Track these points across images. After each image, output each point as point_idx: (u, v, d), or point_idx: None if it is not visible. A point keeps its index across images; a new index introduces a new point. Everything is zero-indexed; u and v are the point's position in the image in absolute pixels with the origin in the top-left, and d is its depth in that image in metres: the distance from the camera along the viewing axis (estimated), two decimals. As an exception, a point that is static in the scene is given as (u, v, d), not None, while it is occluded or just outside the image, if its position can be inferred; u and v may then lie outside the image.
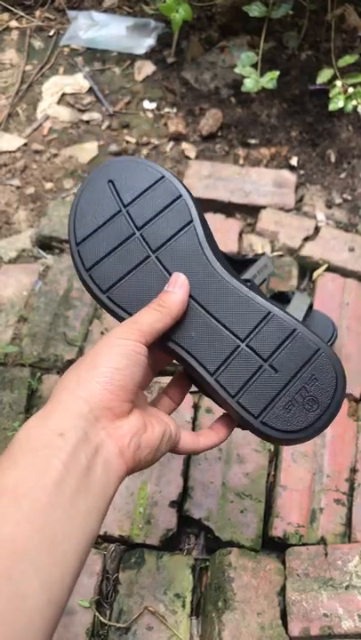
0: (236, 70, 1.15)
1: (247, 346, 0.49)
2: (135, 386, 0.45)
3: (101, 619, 0.73)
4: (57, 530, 0.37)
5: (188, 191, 0.55)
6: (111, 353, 0.44)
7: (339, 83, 1.13)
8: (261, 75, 1.14)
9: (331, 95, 1.12)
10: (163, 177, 0.53)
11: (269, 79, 1.13)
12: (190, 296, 0.50)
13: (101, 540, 0.80)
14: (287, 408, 0.48)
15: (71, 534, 0.37)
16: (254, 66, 1.15)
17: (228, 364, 0.49)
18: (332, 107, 1.12)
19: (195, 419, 0.88)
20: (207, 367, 0.50)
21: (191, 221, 0.53)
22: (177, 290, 0.49)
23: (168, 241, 0.52)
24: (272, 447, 0.86)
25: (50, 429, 0.39)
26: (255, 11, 1.16)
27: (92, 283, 0.51)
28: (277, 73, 1.13)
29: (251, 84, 1.13)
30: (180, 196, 0.54)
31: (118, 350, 0.44)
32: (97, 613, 0.74)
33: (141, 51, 1.37)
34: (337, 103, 1.12)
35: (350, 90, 1.12)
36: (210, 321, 0.50)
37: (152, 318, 0.47)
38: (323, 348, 0.49)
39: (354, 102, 1.11)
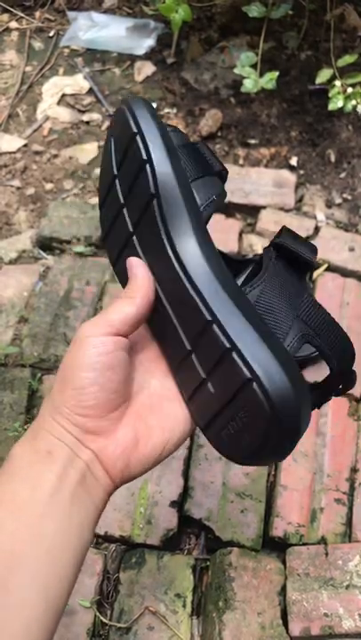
0: (236, 71, 1.16)
1: (194, 355, 0.42)
2: (115, 392, 0.41)
3: (102, 619, 0.74)
4: (53, 540, 0.37)
5: (159, 128, 0.44)
6: (77, 366, 0.40)
7: (338, 82, 1.13)
8: (261, 75, 1.14)
9: (330, 95, 1.12)
10: (135, 133, 0.44)
11: (269, 79, 1.13)
12: (157, 281, 0.44)
13: (102, 540, 0.80)
14: (223, 432, 0.40)
15: (67, 544, 0.37)
16: (254, 66, 1.15)
17: (180, 368, 0.43)
18: (331, 106, 1.12)
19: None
20: (170, 363, 0.45)
21: (144, 166, 0.43)
22: (134, 271, 0.44)
23: (138, 217, 0.45)
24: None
25: (38, 450, 0.39)
26: (254, 11, 1.16)
27: (107, 255, 0.50)
28: (277, 73, 1.13)
29: (250, 84, 1.13)
30: (136, 134, 0.44)
31: (86, 360, 0.40)
32: (98, 613, 0.74)
33: (141, 51, 1.37)
34: (336, 103, 1.12)
35: (350, 90, 1.12)
36: (169, 317, 0.43)
37: (121, 304, 0.42)
38: (258, 377, 0.36)
39: (353, 102, 1.11)
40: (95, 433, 0.40)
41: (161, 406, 0.44)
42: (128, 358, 0.42)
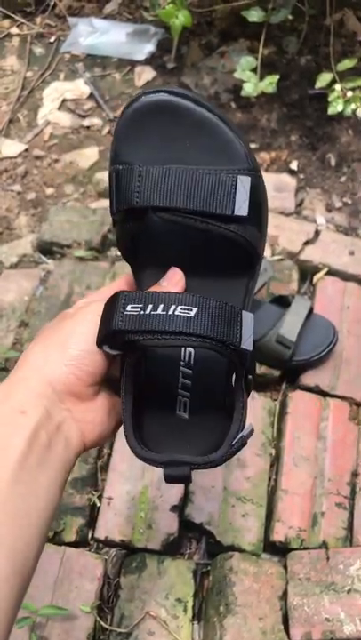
0: (236, 75, 1.16)
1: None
2: (107, 367, 0.42)
3: (102, 624, 0.73)
4: (19, 504, 0.37)
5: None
6: (83, 331, 0.41)
7: (338, 87, 1.13)
8: (261, 79, 1.15)
9: (330, 99, 1.13)
10: None
11: (269, 83, 1.13)
12: None
13: (103, 545, 0.80)
14: None
15: (33, 508, 0.38)
16: (253, 70, 1.15)
17: None
18: (331, 110, 1.12)
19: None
20: None
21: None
22: (170, 289, 0.44)
23: None
24: (273, 451, 0.86)
25: (11, 407, 0.39)
26: (254, 16, 1.17)
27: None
28: (277, 77, 1.14)
29: (250, 88, 1.14)
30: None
31: (92, 327, 0.41)
32: (98, 618, 0.74)
33: (141, 57, 1.38)
34: (336, 107, 1.12)
35: (349, 94, 1.12)
36: None
37: (125, 280, 0.46)
38: None
39: (353, 106, 1.11)
40: (79, 397, 0.41)
41: None
42: None
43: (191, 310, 0.39)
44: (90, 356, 0.41)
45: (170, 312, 0.39)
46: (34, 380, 0.40)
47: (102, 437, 0.44)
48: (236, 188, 0.42)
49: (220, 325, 0.40)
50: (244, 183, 0.42)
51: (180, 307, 0.39)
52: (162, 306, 0.39)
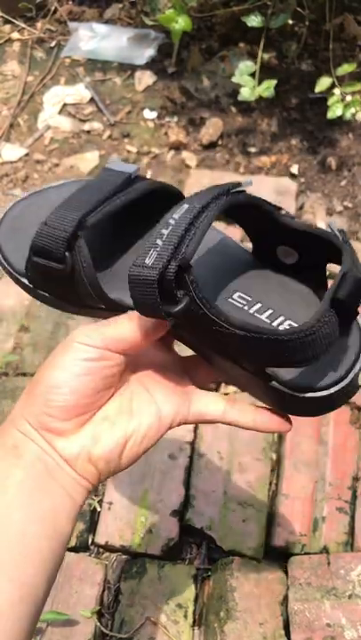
0: (234, 79, 1.16)
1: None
2: (87, 398, 0.40)
3: (103, 629, 0.73)
4: (23, 528, 0.37)
5: None
6: (55, 366, 0.40)
7: (337, 91, 1.13)
8: (259, 83, 1.15)
9: (329, 103, 1.13)
10: None
11: (266, 87, 1.13)
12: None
13: (103, 550, 0.80)
14: None
15: (39, 532, 0.37)
16: (252, 75, 1.16)
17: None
18: (330, 115, 1.12)
19: (196, 427, 0.88)
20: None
21: None
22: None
23: None
24: (274, 456, 0.86)
25: (4, 444, 0.39)
26: (253, 21, 1.17)
27: None
28: (274, 81, 1.14)
29: (247, 92, 1.14)
30: None
31: (65, 362, 0.40)
32: (98, 624, 0.73)
33: (142, 61, 1.38)
34: (335, 111, 1.12)
35: (348, 98, 1.12)
36: None
37: (121, 323, 0.41)
38: None
39: (352, 110, 1.12)
40: (57, 432, 0.40)
41: (131, 407, 0.43)
42: (115, 373, 0.41)
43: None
44: (59, 391, 0.39)
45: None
46: (17, 420, 0.40)
47: (110, 464, 0.41)
48: None
49: None
50: None
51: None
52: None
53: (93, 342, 0.40)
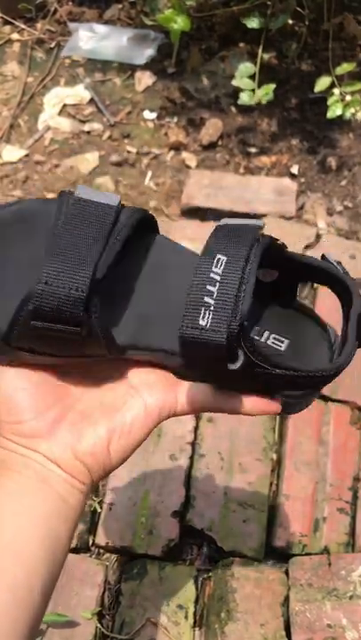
0: (234, 82, 1.16)
1: None
2: (44, 393, 0.40)
3: (103, 630, 0.73)
4: (18, 532, 0.37)
5: None
6: (3, 383, 0.40)
7: (337, 90, 1.13)
8: (260, 85, 1.15)
9: (329, 103, 1.13)
10: None
11: (265, 93, 1.13)
12: None
13: (103, 551, 0.80)
14: None
15: (33, 536, 0.37)
16: (252, 77, 1.16)
17: None
18: (330, 114, 1.12)
19: (196, 428, 0.88)
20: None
21: None
22: None
23: None
24: (274, 456, 0.86)
25: None
26: (254, 23, 1.17)
27: None
28: (273, 86, 1.14)
29: (247, 97, 1.15)
30: None
31: (9, 375, 0.40)
32: (99, 625, 0.73)
33: (142, 61, 1.38)
34: (335, 111, 1.12)
35: (348, 97, 1.12)
36: None
37: None
38: None
39: (352, 110, 1.11)
40: (33, 435, 0.40)
41: (105, 399, 0.42)
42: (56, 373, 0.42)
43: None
44: (16, 393, 0.40)
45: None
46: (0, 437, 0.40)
47: (99, 459, 0.41)
48: None
49: None
50: None
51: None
52: None
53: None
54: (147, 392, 0.43)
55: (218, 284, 0.37)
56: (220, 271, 0.37)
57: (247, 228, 0.41)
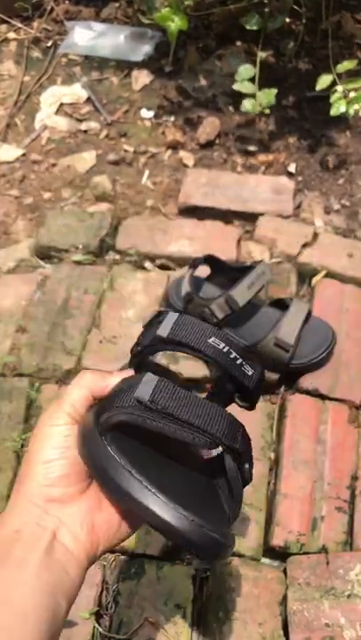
0: (235, 87, 1.17)
1: None
2: (80, 465, 0.44)
3: (101, 630, 0.73)
4: (25, 603, 0.38)
5: None
6: (43, 447, 0.44)
7: (340, 88, 1.13)
8: (260, 88, 1.15)
9: (331, 101, 1.12)
10: None
11: (267, 101, 1.15)
12: None
13: (101, 551, 0.79)
14: None
15: (39, 606, 0.39)
16: (252, 79, 1.16)
17: None
18: (333, 112, 1.12)
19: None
20: None
21: None
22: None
23: None
24: (272, 455, 0.86)
25: (6, 531, 0.42)
26: (252, 24, 1.17)
27: None
28: (275, 91, 1.15)
29: (250, 105, 1.15)
30: None
31: (50, 443, 0.44)
32: (97, 625, 0.73)
33: (139, 57, 1.38)
34: (339, 108, 1.12)
35: (352, 94, 1.12)
36: None
37: (84, 390, 0.46)
38: None
39: (356, 106, 1.11)
40: (60, 501, 0.43)
41: None
42: None
43: None
44: (52, 464, 0.43)
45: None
46: (16, 504, 0.43)
47: (112, 535, 0.45)
48: None
49: None
50: None
51: None
52: None
53: (65, 421, 0.45)
54: None
55: None
56: None
57: None
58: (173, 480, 0.45)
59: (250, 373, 0.47)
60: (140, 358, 0.48)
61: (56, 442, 0.44)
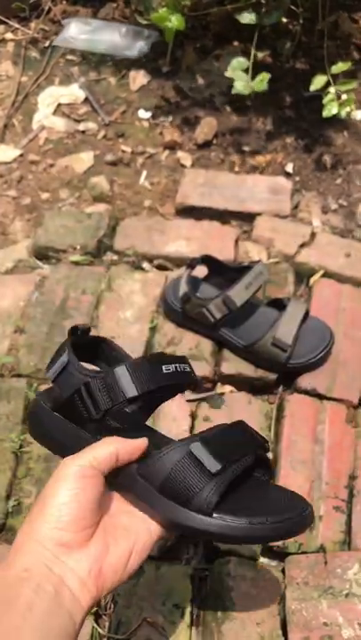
0: (227, 74, 1.16)
1: None
2: (90, 511, 0.47)
3: (100, 630, 0.73)
4: None
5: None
6: (58, 488, 0.47)
7: (332, 89, 1.13)
8: (253, 79, 1.15)
9: (324, 102, 1.13)
10: None
11: (260, 80, 1.13)
12: None
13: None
14: None
15: None
16: (245, 71, 1.15)
17: None
18: (325, 113, 1.12)
19: (192, 427, 0.88)
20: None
21: None
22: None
23: None
24: (270, 455, 0.86)
25: (16, 570, 0.43)
26: (246, 18, 1.17)
27: None
28: (268, 75, 1.14)
29: (241, 85, 1.14)
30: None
31: (65, 484, 0.47)
32: (95, 625, 0.73)
33: (134, 53, 1.37)
34: (331, 110, 1.12)
35: (344, 96, 1.12)
36: None
37: (106, 445, 0.51)
38: None
39: (347, 108, 1.11)
40: (69, 546, 0.45)
41: (123, 522, 0.51)
42: (101, 485, 0.49)
43: None
44: (66, 506, 0.46)
45: None
46: (26, 546, 0.44)
47: (120, 574, 0.48)
48: None
49: None
50: None
51: None
52: None
53: (83, 462, 0.49)
54: (148, 521, 0.52)
55: None
56: None
57: None
58: (237, 499, 0.53)
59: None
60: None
61: (72, 484, 0.46)
